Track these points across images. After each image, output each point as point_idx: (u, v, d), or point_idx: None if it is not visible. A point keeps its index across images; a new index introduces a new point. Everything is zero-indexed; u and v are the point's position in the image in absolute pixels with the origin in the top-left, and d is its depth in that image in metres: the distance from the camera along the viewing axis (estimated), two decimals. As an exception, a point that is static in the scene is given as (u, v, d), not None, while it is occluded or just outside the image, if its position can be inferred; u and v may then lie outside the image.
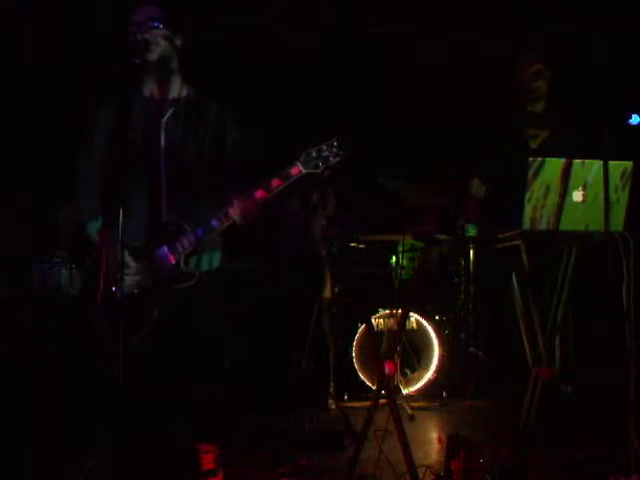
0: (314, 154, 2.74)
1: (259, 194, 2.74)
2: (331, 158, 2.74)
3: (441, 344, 5.11)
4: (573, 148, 3.33)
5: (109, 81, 2.83)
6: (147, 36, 2.76)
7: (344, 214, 5.23)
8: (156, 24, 2.78)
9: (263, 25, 5.45)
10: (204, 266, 2.88)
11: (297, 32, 5.58)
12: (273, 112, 5.53)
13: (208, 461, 2.88)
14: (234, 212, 2.74)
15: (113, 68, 2.79)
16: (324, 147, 2.74)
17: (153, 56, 2.79)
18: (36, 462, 3.31)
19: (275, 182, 2.74)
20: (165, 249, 2.77)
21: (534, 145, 3.56)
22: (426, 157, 5.97)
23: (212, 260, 2.92)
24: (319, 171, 2.76)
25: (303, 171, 2.75)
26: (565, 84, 3.93)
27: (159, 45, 2.79)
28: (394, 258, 5.74)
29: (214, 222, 2.76)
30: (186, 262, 2.79)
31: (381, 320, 5.19)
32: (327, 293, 5.12)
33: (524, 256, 3.22)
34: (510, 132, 3.62)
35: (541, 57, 3.61)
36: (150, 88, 2.89)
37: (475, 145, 3.79)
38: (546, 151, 3.31)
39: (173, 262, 2.76)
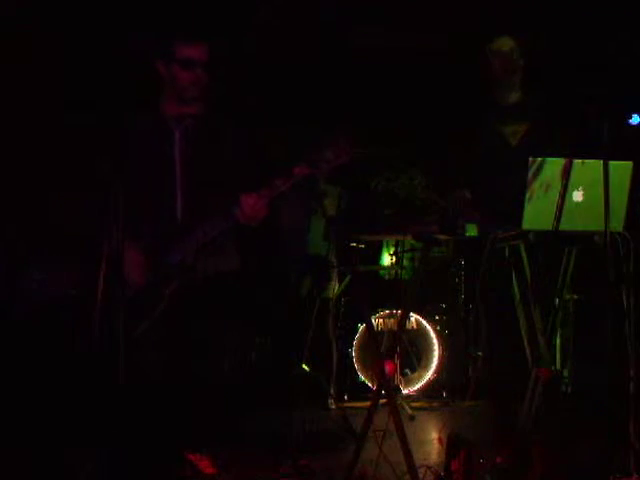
0: (317, 154, 2.76)
1: (264, 193, 2.77)
2: (333, 158, 2.76)
3: (441, 344, 5.11)
4: (564, 146, 3.32)
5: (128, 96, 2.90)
6: (197, 74, 2.88)
7: (346, 213, 5.24)
8: (200, 68, 2.90)
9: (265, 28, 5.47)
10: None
11: (301, 32, 5.59)
12: (279, 113, 5.54)
13: (207, 465, 2.88)
14: (239, 211, 2.76)
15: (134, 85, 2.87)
16: (327, 148, 2.76)
17: (188, 94, 2.93)
18: (36, 462, 3.31)
19: (279, 181, 2.77)
20: (175, 247, 2.83)
21: (514, 142, 3.54)
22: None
23: None
24: (323, 170, 2.78)
25: (307, 171, 2.77)
26: (551, 78, 3.92)
27: (197, 85, 2.93)
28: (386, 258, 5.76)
29: (219, 221, 2.80)
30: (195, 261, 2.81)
31: (381, 320, 5.20)
32: (331, 293, 5.13)
33: (524, 256, 3.22)
34: (486, 130, 3.60)
35: (514, 46, 3.57)
36: (167, 107, 2.96)
37: (454, 151, 3.78)
38: (533, 149, 3.28)
39: (179, 260, 2.78)
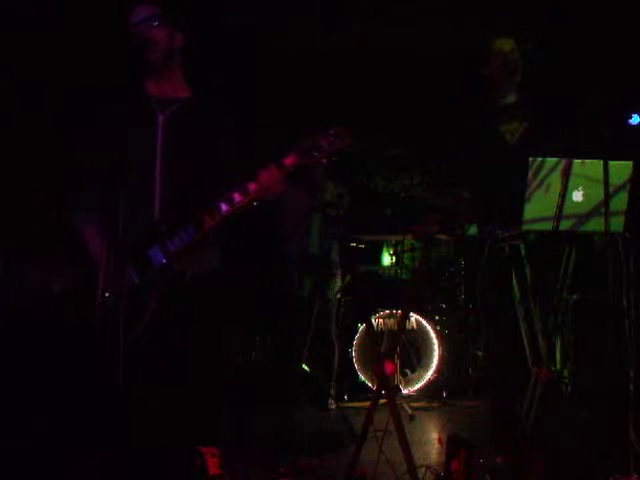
0: (309, 144, 2.70)
1: (252, 187, 2.69)
2: (327, 147, 2.70)
3: (441, 344, 5.11)
4: (563, 145, 3.32)
5: (109, 80, 2.83)
6: (146, 36, 2.76)
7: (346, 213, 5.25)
8: (154, 23, 2.78)
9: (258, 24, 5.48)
10: None
11: (293, 29, 5.60)
12: (270, 106, 5.54)
13: (214, 465, 2.86)
14: (226, 208, 2.70)
15: (113, 68, 2.79)
16: (319, 137, 2.69)
17: (153, 55, 2.79)
18: (36, 463, 3.31)
19: (266, 175, 2.71)
20: (156, 249, 2.72)
21: (513, 141, 3.54)
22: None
23: None
24: (315, 161, 2.71)
25: (299, 161, 2.71)
26: (549, 76, 3.92)
27: (158, 44, 2.79)
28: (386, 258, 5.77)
29: (205, 218, 2.70)
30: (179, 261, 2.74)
31: (381, 320, 5.20)
32: (334, 293, 5.13)
33: (524, 256, 3.22)
34: (485, 130, 3.59)
35: (514, 47, 3.58)
36: (151, 87, 2.88)
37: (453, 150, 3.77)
38: (534, 149, 3.28)
39: (164, 262, 2.72)
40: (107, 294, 2.58)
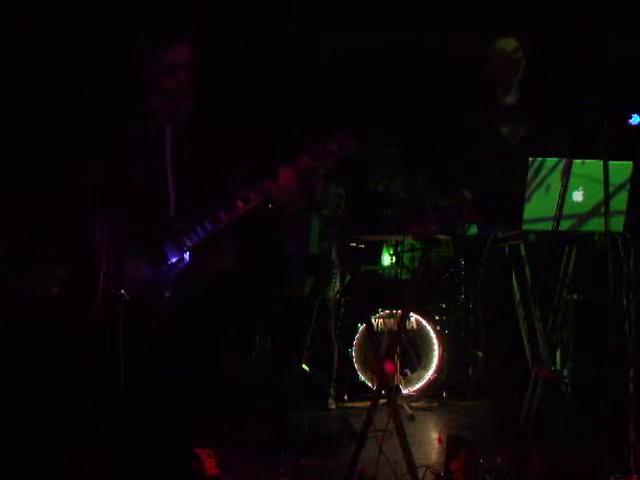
0: (320, 146, 2.76)
1: (267, 186, 2.77)
2: (336, 150, 2.75)
3: (441, 344, 5.11)
4: (563, 146, 3.32)
5: (117, 93, 2.87)
6: (178, 80, 2.81)
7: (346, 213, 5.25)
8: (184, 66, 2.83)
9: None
10: None
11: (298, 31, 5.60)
12: (278, 110, 5.55)
13: (211, 465, 2.87)
14: (242, 205, 2.76)
15: (120, 83, 2.83)
16: (330, 140, 2.76)
17: (178, 94, 2.85)
18: (36, 462, 3.31)
19: (282, 174, 2.77)
20: (172, 246, 2.78)
21: (514, 141, 3.53)
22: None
23: None
24: (325, 164, 2.77)
25: (310, 162, 2.76)
26: (551, 76, 3.92)
27: (184, 85, 2.84)
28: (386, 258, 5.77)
29: (221, 214, 2.78)
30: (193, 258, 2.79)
31: (381, 320, 5.19)
32: (333, 293, 5.13)
33: (524, 256, 3.22)
34: (486, 129, 3.59)
35: (517, 46, 3.57)
36: (154, 98, 2.91)
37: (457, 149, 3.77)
38: (533, 149, 3.27)
39: (180, 257, 2.77)
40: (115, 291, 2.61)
